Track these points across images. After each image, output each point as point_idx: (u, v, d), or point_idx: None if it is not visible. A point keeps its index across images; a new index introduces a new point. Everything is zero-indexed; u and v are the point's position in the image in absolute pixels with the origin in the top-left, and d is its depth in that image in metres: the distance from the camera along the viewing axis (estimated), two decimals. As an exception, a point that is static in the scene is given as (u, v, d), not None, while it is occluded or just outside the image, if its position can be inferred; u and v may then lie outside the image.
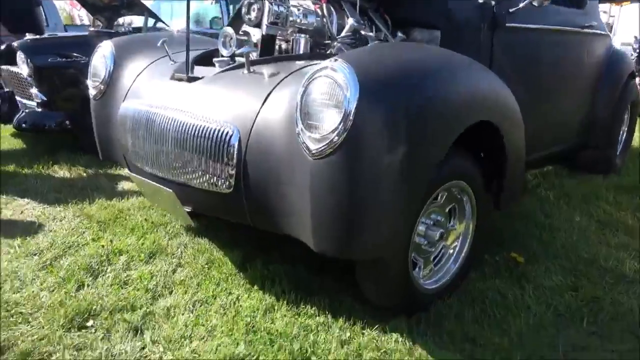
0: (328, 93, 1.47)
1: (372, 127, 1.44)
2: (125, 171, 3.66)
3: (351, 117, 1.42)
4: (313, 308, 1.94)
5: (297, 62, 1.98)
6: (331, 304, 1.97)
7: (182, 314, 1.93)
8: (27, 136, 4.60)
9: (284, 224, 1.70)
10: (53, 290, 2.07)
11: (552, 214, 2.94)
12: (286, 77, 1.77)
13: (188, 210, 1.94)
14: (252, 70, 1.88)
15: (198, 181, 1.81)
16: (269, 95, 1.72)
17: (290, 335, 1.78)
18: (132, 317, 1.89)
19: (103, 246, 2.45)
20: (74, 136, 4.11)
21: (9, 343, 1.74)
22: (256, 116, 1.69)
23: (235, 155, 1.69)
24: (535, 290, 2.13)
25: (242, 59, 2.02)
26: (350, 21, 2.28)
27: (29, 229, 2.68)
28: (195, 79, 1.98)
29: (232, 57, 2.16)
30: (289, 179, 1.60)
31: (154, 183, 1.97)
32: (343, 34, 2.30)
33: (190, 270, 2.25)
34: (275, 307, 1.95)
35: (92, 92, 2.47)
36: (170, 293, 2.08)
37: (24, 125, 3.81)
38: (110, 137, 2.43)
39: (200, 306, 1.97)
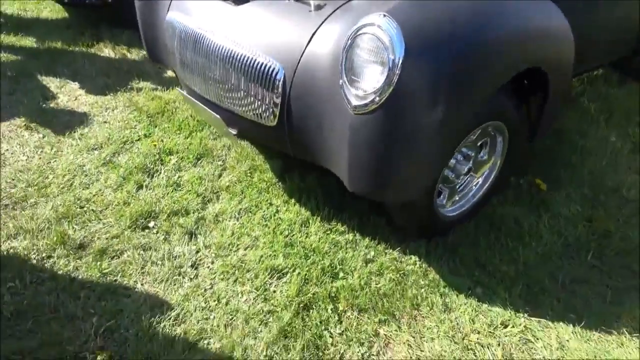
0: (373, 51, 1.48)
1: (415, 88, 1.48)
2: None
3: (395, 79, 1.45)
4: (343, 225, 2.18)
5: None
6: (359, 222, 2.20)
7: (229, 221, 2.21)
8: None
9: (322, 159, 1.84)
10: (116, 189, 2.36)
11: (587, 133, 2.94)
12: (333, 12, 1.73)
13: (234, 132, 2.08)
14: (293, -1, 1.84)
15: (243, 110, 1.92)
16: (315, 32, 1.71)
17: (322, 251, 2.05)
18: (186, 222, 2.18)
19: (155, 145, 2.67)
20: (113, 11, 4.08)
21: (87, 239, 2.08)
22: (301, 55, 1.72)
23: (280, 92, 1.77)
24: (551, 219, 2.28)
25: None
26: None
27: (85, 120, 2.90)
28: (241, 1, 1.95)
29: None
30: (329, 122, 1.69)
31: (202, 105, 2.08)
32: None
33: (234, 175, 2.47)
34: (310, 222, 2.20)
35: (136, -7, 2.45)
36: (218, 198, 2.34)
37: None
38: (156, 39, 2.48)
39: (245, 215, 2.24)
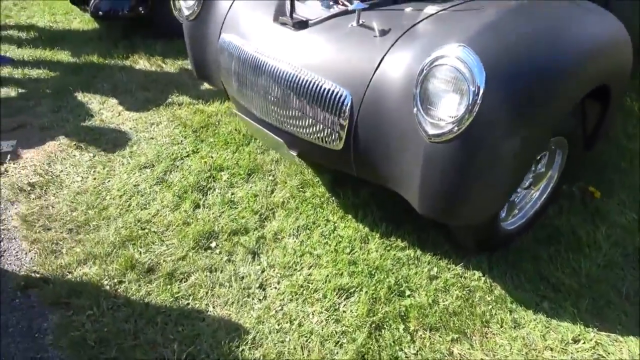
0: (451, 82, 1.49)
1: (495, 117, 1.49)
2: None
3: (475, 109, 1.46)
4: (403, 241, 2.20)
5: (406, 11, 1.90)
6: (418, 237, 2.22)
7: (289, 239, 2.24)
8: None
9: (389, 181, 1.86)
10: (174, 209, 2.40)
11: (634, 135, 2.93)
12: (399, 38, 1.74)
13: (294, 154, 2.10)
14: (361, 22, 1.84)
15: (306, 134, 1.94)
16: (382, 59, 1.72)
17: (386, 269, 2.07)
18: (247, 241, 2.21)
19: (205, 162, 2.70)
20: (146, 22, 4.10)
21: (154, 262, 2.12)
22: (369, 82, 1.73)
23: (347, 117, 1.78)
24: (608, 228, 2.28)
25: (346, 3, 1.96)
26: None
27: (132, 136, 2.94)
28: (301, 25, 1.95)
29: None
30: (399, 147, 1.71)
31: (261, 127, 2.11)
32: None
33: (287, 191, 2.50)
34: (369, 238, 2.22)
35: (185, 12, 2.46)
36: (274, 216, 2.37)
37: (100, 13, 3.81)
38: (205, 59, 2.50)
39: (303, 232, 2.26)
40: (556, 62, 1.59)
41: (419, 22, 1.78)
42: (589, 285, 2.03)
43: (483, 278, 2.05)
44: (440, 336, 1.83)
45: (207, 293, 1.99)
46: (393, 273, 2.06)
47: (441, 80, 1.52)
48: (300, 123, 1.93)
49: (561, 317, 1.91)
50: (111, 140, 2.91)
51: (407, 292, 1.98)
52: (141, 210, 2.40)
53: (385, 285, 2.00)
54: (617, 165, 2.68)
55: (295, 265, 2.11)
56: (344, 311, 1.92)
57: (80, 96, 3.37)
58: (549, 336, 1.84)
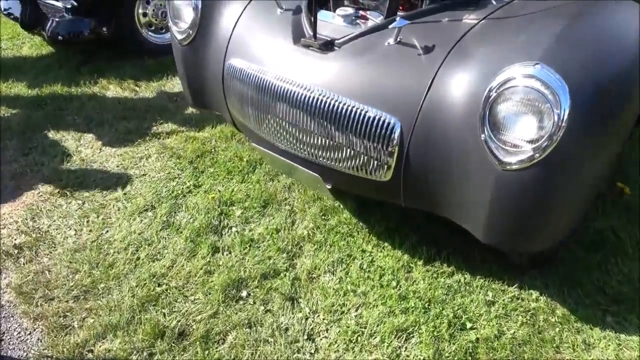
0: (529, 105, 1.35)
1: (579, 140, 1.36)
2: (177, 83, 3.48)
3: (559, 133, 1.33)
4: (449, 266, 2.06)
5: (443, 22, 1.73)
6: (463, 259, 2.08)
7: (325, 277, 2.05)
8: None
9: (444, 209, 1.71)
10: (190, 257, 2.15)
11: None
12: (447, 56, 1.58)
13: (328, 187, 1.91)
14: (399, 39, 1.66)
15: (347, 167, 1.75)
16: (432, 82, 1.56)
17: (439, 300, 1.92)
18: (281, 285, 2.00)
19: (212, 197, 2.45)
20: (110, 42, 3.75)
21: (184, 325, 1.87)
22: (420, 107, 1.57)
23: (396, 147, 1.61)
24: (645, 227, 2.24)
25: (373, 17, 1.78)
26: None
27: (121, 175, 2.64)
28: (328, 46, 1.76)
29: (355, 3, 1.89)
30: (461, 176, 1.56)
31: (289, 161, 1.90)
32: None
33: (309, 221, 2.30)
34: (412, 266, 2.07)
35: (177, 36, 2.20)
36: (302, 251, 2.16)
37: (59, 37, 3.43)
38: (204, 85, 2.26)
39: (339, 267, 2.08)
40: (625, 66, 1.48)
41: (464, 36, 1.62)
42: (642, 291, 1.97)
43: (542, 298, 1.94)
44: (515, 370, 1.71)
45: (252, 354, 1.78)
46: (448, 304, 1.92)
47: (516, 102, 1.37)
48: (338, 155, 1.74)
49: (628, 331, 1.83)
50: (99, 182, 2.60)
51: (469, 325, 1.84)
52: (153, 262, 2.14)
53: (444, 320, 1.85)
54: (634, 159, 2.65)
55: (341, 308, 1.93)
56: (407, 356, 1.76)
57: (50, 134, 3.01)
58: (623, 354, 1.76)
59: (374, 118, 1.61)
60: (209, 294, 1.99)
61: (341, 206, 2.39)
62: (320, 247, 2.18)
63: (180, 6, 2.16)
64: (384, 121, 1.60)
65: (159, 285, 2.04)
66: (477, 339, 1.79)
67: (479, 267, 2.06)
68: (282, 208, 2.40)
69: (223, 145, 2.86)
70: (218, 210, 2.38)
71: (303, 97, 1.73)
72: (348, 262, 2.11)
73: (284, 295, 1.98)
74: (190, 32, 2.14)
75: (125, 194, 2.52)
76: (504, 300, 1.93)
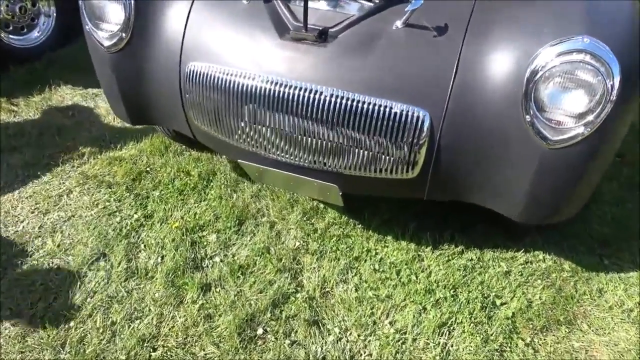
0: (580, 80, 1.29)
1: (623, 112, 1.35)
2: (66, 93, 2.89)
3: (607, 107, 1.30)
4: (457, 246, 2.02)
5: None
6: (467, 235, 2.06)
7: (340, 288, 1.87)
8: None
9: (472, 196, 1.63)
10: (178, 306, 1.79)
11: None
12: (465, 35, 1.45)
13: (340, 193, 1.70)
14: (408, 22, 1.48)
15: (367, 170, 1.56)
16: (457, 66, 1.43)
17: (461, 283, 1.88)
18: (297, 310, 1.78)
19: (174, 226, 2.08)
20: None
21: (208, 389, 1.57)
22: (449, 94, 1.43)
23: (426, 141, 1.47)
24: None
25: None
26: None
27: (45, 225, 2.10)
28: (323, 36, 1.51)
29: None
30: (499, 159, 1.48)
31: (298, 176, 1.64)
32: None
33: (296, 230, 2.08)
34: (423, 256, 1.99)
35: (102, 42, 1.74)
36: (302, 265, 1.95)
37: None
38: (147, 98, 1.85)
39: (351, 274, 1.92)
40: None
41: (473, 11, 1.51)
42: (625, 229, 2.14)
43: (547, 257, 2.01)
44: (554, 335, 1.75)
45: (301, 399, 1.57)
46: (472, 286, 1.88)
47: (566, 79, 1.31)
48: (357, 160, 1.54)
49: (626, 270, 1.98)
50: (15, 241, 2.04)
51: (498, 301, 1.84)
52: (133, 323, 1.75)
53: (476, 303, 1.81)
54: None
55: (371, 318, 1.78)
56: (456, 350, 1.70)
57: None
58: (633, 291, 1.90)
59: (400, 113, 1.44)
60: (220, 342, 1.69)
61: (321, 206, 2.20)
62: (320, 256, 1.99)
63: (101, 4, 1.69)
64: (411, 115, 1.44)
65: (154, 349, 1.67)
66: (513, 313, 1.79)
67: (484, 241, 2.05)
68: (259, 222, 2.13)
69: (159, 161, 2.44)
70: (188, 241, 2.03)
71: (309, 100, 1.48)
72: (357, 266, 1.96)
73: (305, 320, 1.76)
74: (123, 35, 1.70)
75: (58, 245, 2.01)
76: (517, 268, 1.96)
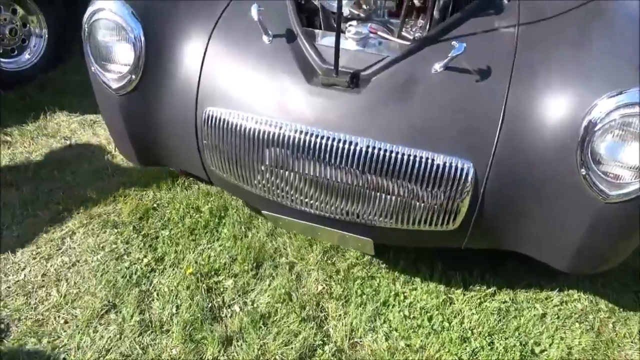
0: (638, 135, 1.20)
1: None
2: (62, 120, 2.73)
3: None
4: (488, 287, 1.92)
5: (481, 34, 1.47)
6: (497, 274, 1.97)
7: (368, 337, 1.76)
8: None
9: (514, 245, 1.54)
10: (199, 363, 1.68)
11: None
12: (511, 80, 1.35)
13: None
14: (448, 65, 1.36)
15: (407, 223, 1.45)
16: (503, 114, 1.33)
17: (497, 329, 1.79)
18: (327, 366, 1.68)
19: (188, 271, 1.95)
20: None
21: None
22: (495, 144, 1.33)
23: (469, 193, 1.37)
24: None
25: (387, 35, 1.47)
26: None
27: (49, 272, 1.96)
28: (355, 81, 1.39)
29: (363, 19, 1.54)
30: (548, 211, 1.38)
31: (331, 229, 1.53)
32: None
33: (318, 273, 1.96)
34: (453, 299, 1.89)
35: (110, 84, 1.61)
36: (327, 312, 1.84)
37: None
38: (157, 140, 1.72)
39: (379, 322, 1.81)
40: None
41: (516, 52, 1.40)
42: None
43: (582, 296, 1.92)
44: (598, 385, 1.67)
45: None
46: (507, 332, 1.79)
47: (625, 132, 1.22)
48: (394, 212, 1.44)
49: (663, 305, 1.91)
50: (16, 290, 1.89)
51: (537, 349, 1.74)
52: (152, 386, 1.63)
53: (515, 352, 1.72)
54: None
55: (406, 372, 1.68)
56: (499, 406, 1.61)
57: None
58: (671, 332, 1.83)
59: (443, 165, 1.34)
60: (249, 407, 1.58)
61: (341, 248, 2.09)
62: (345, 301, 1.88)
63: (109, 44, 1.55)
64: (455, 167, 1.34)
65: (179, 416, 1.56)
66: (554, 363, 1.71)
67: (515, 280, 1.96)
68: (278, 263, 2.01)
69: (167, 195, 2.31)
70: (204, 288, 1.90)
71: (343, 151, 1.36)
72: (385, 312, 1.85)
73: (337, 377, 1.66)
74: (132, 77, 1.57)
75: (64, 296, 1.87)
76: (552, 309, 1.87)
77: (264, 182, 1.51)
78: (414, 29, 1.67)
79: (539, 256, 1.53)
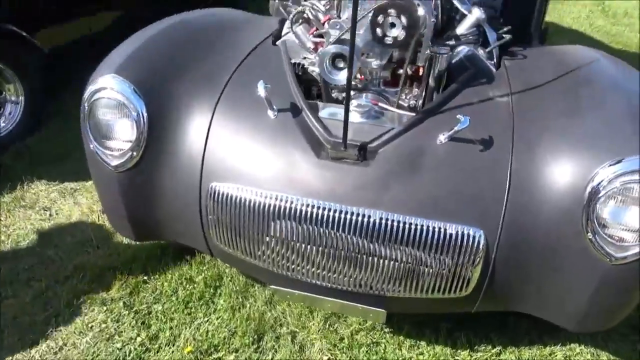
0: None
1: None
2: (41, 190, 2.62)
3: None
4: (494, 346, 1.91)
5: (478, 104, 1.55)
6: (502, 333, 1.96)
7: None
8: None
9: (523, 306, 1.56)
10: None
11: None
12: (513, 147, 1.40)
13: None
14: (452, 135, 1.41)
15: (419, 291, 1.45)
16: (509, 182, 1.37)
17: (508, 391, 1.77)
18: None
19: (186, 349, 1.86)
20: None
21: None
22: (504, 211, 1.36)
23: (481, 260, 1.39)
24: None
25: (388, 106, 1.53)
26: (475, 12, 1.78)
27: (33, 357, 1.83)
28: (363, 154, 1.41)
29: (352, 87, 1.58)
30: (557, 274, 1.41)
31: (342, 301, 1.51)
32: (464, 29, 1.82)
33: (321, 341, 1.91)
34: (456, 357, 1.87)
35: (109, 162, 1.57)
36: (336, 385, 1.78)
37: None
38: (155, 216, 1.68)
39: (390, 391, 1.77)
40: None
41: (514, 121, 1.47)
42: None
43: (585, 349, 1.94)
44: None
45: None
46: (519, 392, 1.78)
47: (627, 198, 1.28)
48: (408, 282, 1.43)
49: (661, 355, 1.95)
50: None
51: (552, 409, 1.74)
52: None
53: (529, 415, 1.71)
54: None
55: None
56: None
57: None
58: (673, 382, 1.86)
59: (456, 234, 1.36)
60: None
61: (340, 315, 2.05)
62: (355, 371, 1.83)
63: (110, 122, 1.53)
64: (467, 235, 1.36)
65: None
66: None
67: (519, 338, 1.96)
68: (279, 334, 1.95)
69: (157, 266, 2.22)
70: (205, 366, 1.82)
71: (357, 223, 1.37)
72: (397, 379, 1.81)
73: None
74: (134, 153, 1.54)
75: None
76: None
77: (273, 256, 1.49)
78: (408, 97, 1.73)
79: (547, 317, 1.55)
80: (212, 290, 2.12)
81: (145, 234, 1.76)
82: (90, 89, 1.54)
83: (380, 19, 1.47)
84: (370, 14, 1.48)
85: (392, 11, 1.46)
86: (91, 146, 1.58)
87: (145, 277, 2.17)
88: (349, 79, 1.31)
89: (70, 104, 3.00)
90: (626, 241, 1.31)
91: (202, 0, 4.27)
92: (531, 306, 1.54)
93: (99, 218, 2.51)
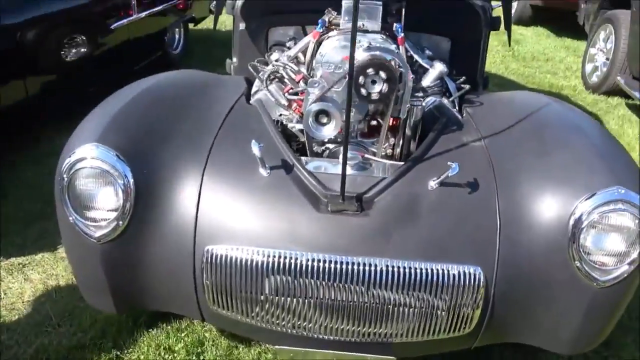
0: (621, 225, 1.39)
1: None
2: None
3: (645, 243, 1.41)
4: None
5: (456, 149, 1.65)
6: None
7: None
8: None
9: (518, 337, 1.62)
10: None
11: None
12: (497, 187, 1.50)
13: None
14: (441, 181, 1.48)
15: (426, 334, 1.47)
16: (499, 219, 1.46)
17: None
18: None
19: None
20: None
21: None
22: (498, 246, 1.45)
23: (482, 296, 1.45)
24: None
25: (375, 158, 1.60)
26: (438, 66, 1.92)
27: None
28: (359, 205, 1.45)
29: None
30: (550, 302, 1.50)
31: (346, 353, 1.48)
32: (430, 82, 1.94)
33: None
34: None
35: (95, 233, 1.47)
36: None
37: None
38: (140, 286, 1.58)
39: None
40: None
41: (491, 162, 1.58)
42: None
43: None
44: None
45: None
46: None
47: (608, 225, 1.41)
48: (414, 325, 1.45)
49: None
50: None
51: None
52: None
53: None
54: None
55: None
56: None
57: None
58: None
59: (458, 274, 1.41)
60: None
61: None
62: None
63: (92, 192, 1.44)
64: (468, 274, 1.42)
65: None
66: None
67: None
68: (273, 394, 1.88)
69: (130, 339, 2.06)
70: None
71: (364, 273, 1.38)
72: None
73: None
74: (119, 223, 1.46)
75: None
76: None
77: (277, 313, 1.45)
78: (385, 147, 1.81)
79: (541, 344, 1.63)
80: (194, 358, 2.00)
81: (128, 306, 1.65)
82: (68, 160, 1.46)
83: (361, 79, 1.55)
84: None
85: (370, 70, 1.55)
86: (70, 218, 1.47)
87: (118, 353, 2.01)
88: (346, 133, 1.36)
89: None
90: (607, 265, 1.44)
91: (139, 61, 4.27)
92: (526, 336, 1.61)
93: (55, 294, 2.30)
